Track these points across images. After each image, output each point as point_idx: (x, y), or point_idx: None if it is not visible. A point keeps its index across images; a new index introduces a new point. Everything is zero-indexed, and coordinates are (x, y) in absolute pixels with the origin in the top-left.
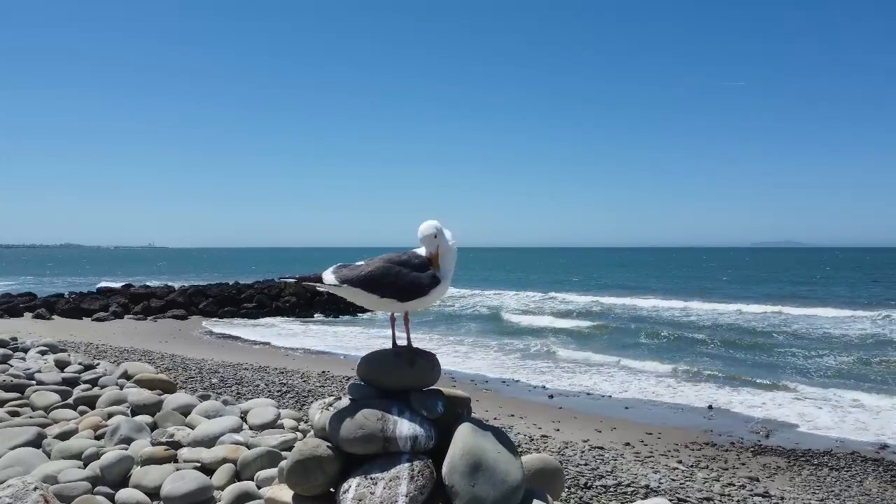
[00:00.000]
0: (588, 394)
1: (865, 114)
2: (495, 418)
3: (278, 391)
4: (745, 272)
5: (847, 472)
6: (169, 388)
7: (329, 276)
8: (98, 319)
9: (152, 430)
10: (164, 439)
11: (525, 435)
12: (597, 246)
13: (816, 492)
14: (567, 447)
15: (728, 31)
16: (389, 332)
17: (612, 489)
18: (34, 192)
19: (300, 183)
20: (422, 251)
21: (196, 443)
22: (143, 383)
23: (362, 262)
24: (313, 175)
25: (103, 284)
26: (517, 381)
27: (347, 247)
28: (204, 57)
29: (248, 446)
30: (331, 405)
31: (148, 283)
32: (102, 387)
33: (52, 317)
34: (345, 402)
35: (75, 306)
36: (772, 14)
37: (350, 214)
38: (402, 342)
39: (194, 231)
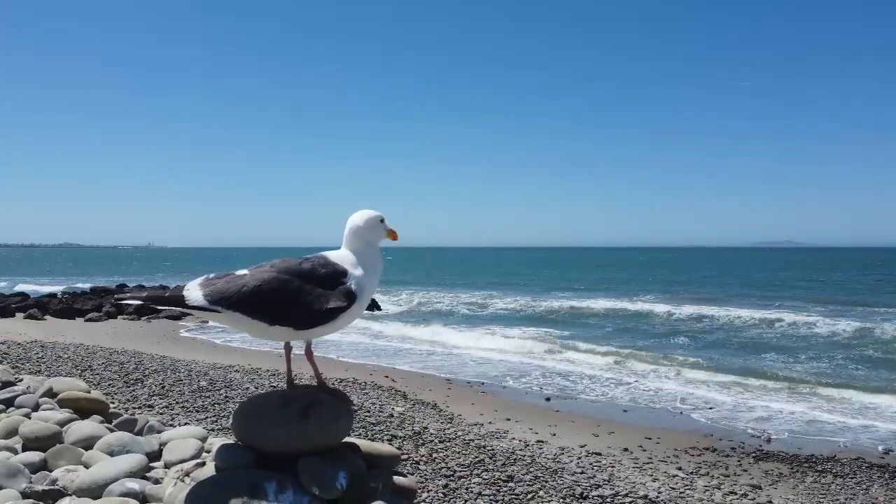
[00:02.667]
0: (586, 396)
1: (865, 113)
2: (490, 422)
3: None
4: (742, 273)
5: (852, 478)
6: (98, 408)
7: (195, 293)
8: (91, 320)
9: (37, 472)
10: (42, 487)
11: (520, 440)
12: (593, 246)
13: (822, 500)
14: (563, 453)
15: (729, 30)
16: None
17: (609, 499)
18: (32, 192)
19: (300, 182)
20: (335, 254)
21: (83, 491)
22: (66, 404)
23: (245, 271)
24: (314, 174)
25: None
26: (515, 383)
27: None
28: (204, 55)
29: (145, 497)
30: (188, 474)
31: (143, 283)
32: (18, 408)
33: (45, 317)
34: (209, 470)
35: (68, 306)
36: (771, 14)
37: (350, 213)
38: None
39: (194, 231)
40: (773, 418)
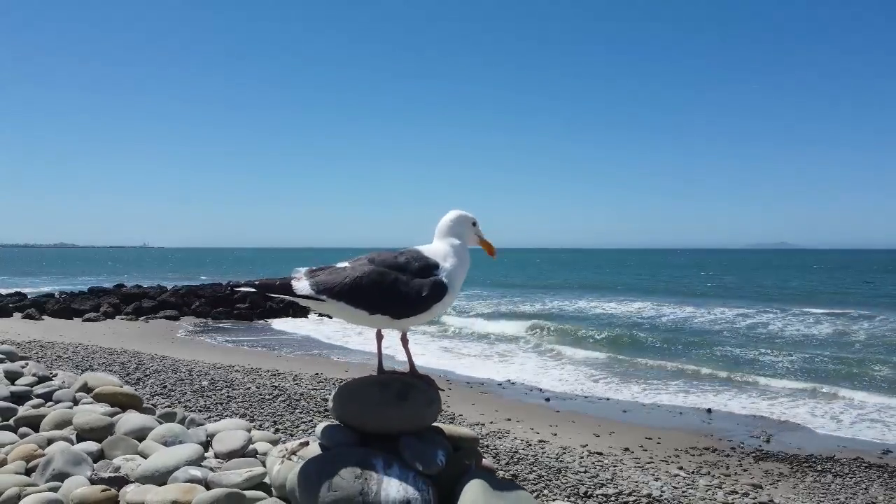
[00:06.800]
0: (585, 397)
1: (863, 116)
2: (491, 422)
3: (269, 394)
4: (736, 274)
5: (851, 478)
6: (133, 403)
7: (302, 284)
8: (89, 320)
9: (97, 461)
10: (107, 474)
11: (522, 440)
12: (589, 247)
13: (822, 500)
14: (565, 453)
15: (726, 33)
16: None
17: (612, 498)
18: (27, 191)
19: (298, 182)
20: (428, 248)
21: (145, 478)
22: (102, 398)
23: (346, 264)
24: (312, 173)
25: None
26: (514, 383)
27: (348, 247)
28: (201, 55)
29: (207, 484)
30: (294, 453)
31: (140, 283)
32: (57, 402)
33: (43, 317)
34: (314, 449)
35: (66, 306)
36: (766, 16)
37: (351, 213)
38: (387, 363)
39: (190, 231)
40: (771, 418)
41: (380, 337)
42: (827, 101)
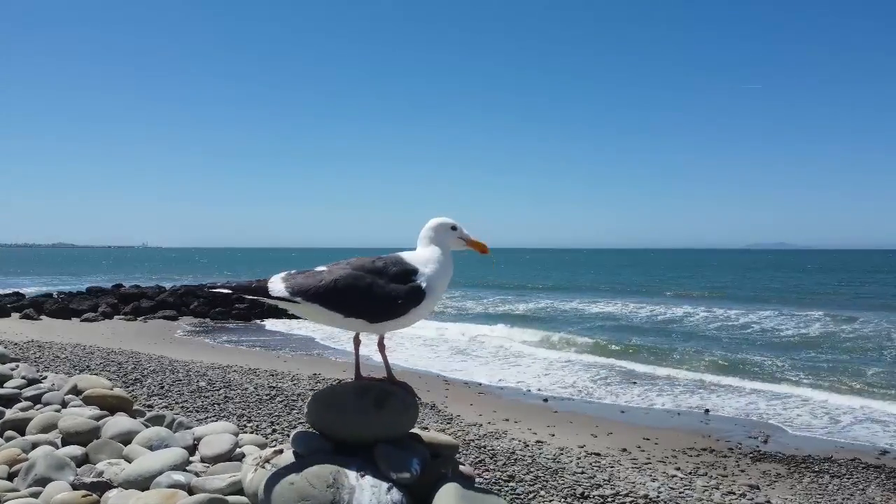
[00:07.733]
0: (583, 398)
1: (862, 115)
2: (489, 423)
3: (267, 395)
4: (734, 274)
5: (849, 479)
6: (124, 405)
7: (278, 286)
8: (87, 320)
9: (80, 466)
10: (89, 479)
11: (520, 441)
12: (585, 247)
13: (819, 500)
14: (563, 453)
15: (722, 33)
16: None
17: (609, 499)
18: (25, 190)
19: (298, 182)
20: (409, 254)
21: (129, 483)
22: (92, 401)
23: (324, 268)
24: (312, 174)
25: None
26: (512, 384)
27: (346, 247)
28: (201, 55)
29: (190, 489)
30: (268, 461)
31: (139, 284)
32: (46, 404)
33: (41, 317)
34: (288, 456)
35: (64, 306)
36: (763, 17)
37: (350, 214)
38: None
39: (189, 231)
40: (769, 419)
41: (357, 342)
42: (827, 101)
